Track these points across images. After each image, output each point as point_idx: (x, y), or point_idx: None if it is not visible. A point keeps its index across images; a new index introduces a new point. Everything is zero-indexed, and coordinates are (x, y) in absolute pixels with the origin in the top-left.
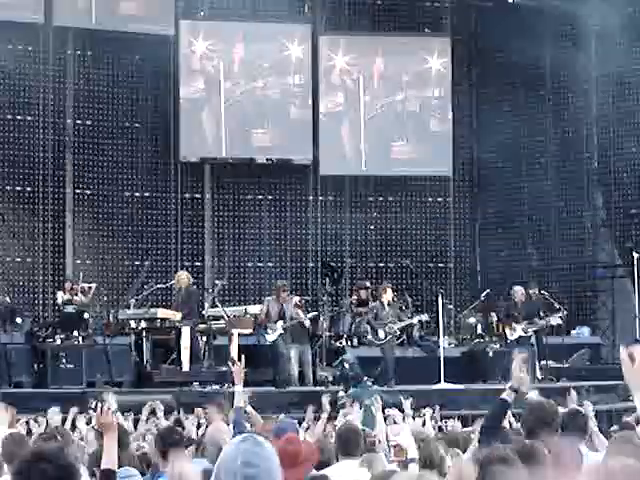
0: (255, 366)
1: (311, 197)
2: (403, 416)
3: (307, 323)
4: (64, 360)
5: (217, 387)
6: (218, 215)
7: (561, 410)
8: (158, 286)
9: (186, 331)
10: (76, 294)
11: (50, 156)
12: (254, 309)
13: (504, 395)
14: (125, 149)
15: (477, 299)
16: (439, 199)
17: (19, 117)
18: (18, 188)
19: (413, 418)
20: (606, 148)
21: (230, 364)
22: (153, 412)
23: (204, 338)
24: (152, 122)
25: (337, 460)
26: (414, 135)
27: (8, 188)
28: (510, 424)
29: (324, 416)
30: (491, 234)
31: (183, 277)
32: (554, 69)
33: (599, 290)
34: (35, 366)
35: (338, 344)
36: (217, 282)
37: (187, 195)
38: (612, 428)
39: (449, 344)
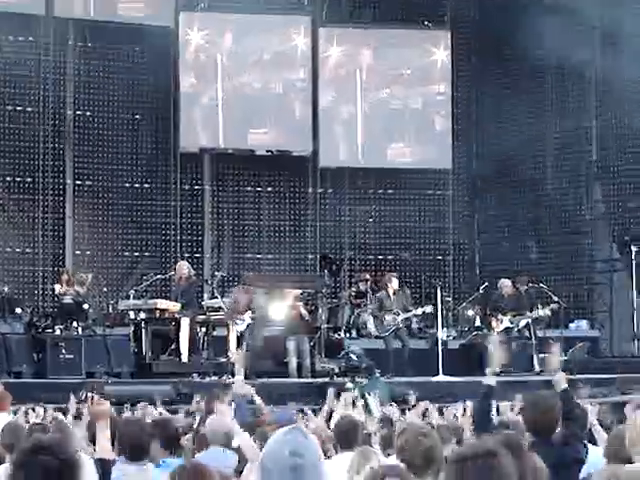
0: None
1: (310, 189)
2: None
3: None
4: (63, 350)
5: (216, 378)
6: (218, 207)
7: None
8: (157, 277)
9: (185, 322)
10: (73, 285)
11: (50, 147)
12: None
13: (487, 380)
14: (125, 140)
15: (476, 292)
16: (438, 192)
17: (19, 108)
18: (18, 179)
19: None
20: (605, 141)
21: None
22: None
23: (203, 329)
24: (152, 113)
25: (336, 452)
26: (414, 128)
27: (8, 179)
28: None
29: (326, 408)
30: (490, 227)
31: (183, 268)
32: (555, 62)
33: (597, 283)
34: (34, 356)
35: (337, 336)
36: (216, 273)
37: (187, 186)
38: None
39: (447, 336)
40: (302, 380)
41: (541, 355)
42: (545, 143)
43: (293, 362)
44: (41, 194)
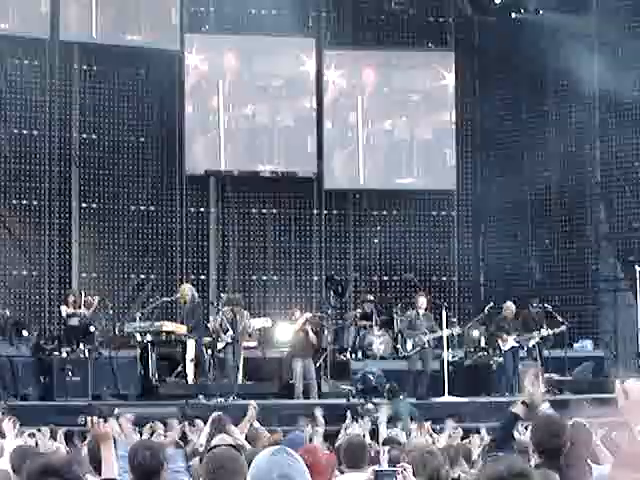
0: (260, 379)
1: (315, 211)
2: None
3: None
4: (70, 373)
5: (222, 400)
6: (223, 229)
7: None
8: (163, 299)
9: (191, 344)
10: (79, 307)
11: (56, 170)
12: (258, 322)
13: (515, 409)
14: (130, 163)
15: (480, 312)
16: (443, 213)
17: (25, 131)
18: (24, 202)
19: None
20: (608, 162)
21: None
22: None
23: (209, 351)
24: (157, 136)
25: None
26: (418, 150)
27: (14, 202)
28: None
29: (320, 430)
30: (494, 248)
31: (186, 291)
32: (556, 83)
33: (602, 303)
34: (41, 379)
35: (342, 357)
36: (222, 295)
37: (192, 209)
38: None
39: (453, 357)
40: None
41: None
42: (549, 164)
43: (299, 383)
44: (47, 217)
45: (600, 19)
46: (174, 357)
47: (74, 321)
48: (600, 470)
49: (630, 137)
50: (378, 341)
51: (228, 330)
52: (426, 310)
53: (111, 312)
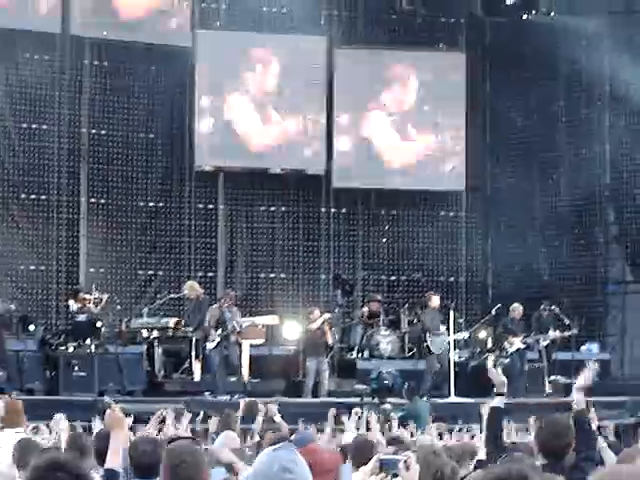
0: (266, 377)
1: (324, 209)
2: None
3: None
4: (76, 368)
5: (227, 397)
6: (231, 226)
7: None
8: (171, 296)
9: (197, 341)
10: (88, 303)
11: (65, 165)
12: (265, 320)
13: (494, 403)
14: (139, 159)
15: (488, 313)
16: (451, 213)
17: (34, 126)
18: (33, 196)
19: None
20: (618, 164)
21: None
22: (163, 421)
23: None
24: (167, 132)
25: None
26: (428, 149)
27: (23, 196)
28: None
29: (328, 430)
30: (503, 249)
31: (193, 287)
32: (567, 85)
33: (610, 306)
34: (47, 373)
35: (350, 356)
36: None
37: (200, 205)
38: None
39: (459, 358)
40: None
41: (552, 377)
42: (559, 165)
43: (310, 382)
44: (55, 212)
45: (611, 21)
46: (180, 354)
47: (81, 317)
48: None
49: None
50: (385, 341)
51: (218, 327)
52: (444, 309)
53: (118, 308)
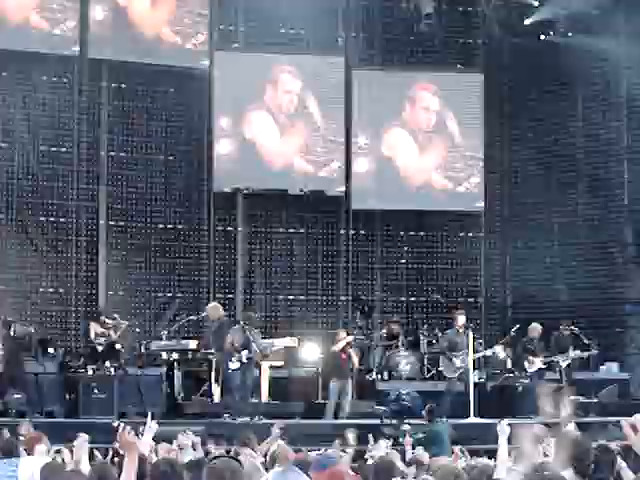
0: (285, 399)
1: (342, 231)
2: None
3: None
4: (96, 390)
5: (248, 419)
6: (250, 247)
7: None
8: (190, 318)
9: (217, 363)
10: (108, 329)
11: (84, 187)
12: (284, 342)
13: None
14: (158, 181)
15: (507, 334)
16: (470, 234)
17: (53, 149)
18: (52, 219)
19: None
20: (636, 184)
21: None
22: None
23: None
24: (186, 154)
25: None
26: (447, 169)
27: (42, 219)
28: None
29: (350, 451)
30: (521, 269)
31: (217, 309)
32: (585, 105)
33: (628, 326)
34: (67, 396)
35: (369, 377)
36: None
37: (220, 227)
38: None
39: (479, 378)
40: (347, 421)
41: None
42: (575, 187)
43: (332, 404)
44: (74, 234)
45: (629, 41)
46: (200, 376)
47: (100, 341)
48: None
49: None
50: (404, 362)
51: (244, 349)
52: (466, 329)
53: (137, 330)
